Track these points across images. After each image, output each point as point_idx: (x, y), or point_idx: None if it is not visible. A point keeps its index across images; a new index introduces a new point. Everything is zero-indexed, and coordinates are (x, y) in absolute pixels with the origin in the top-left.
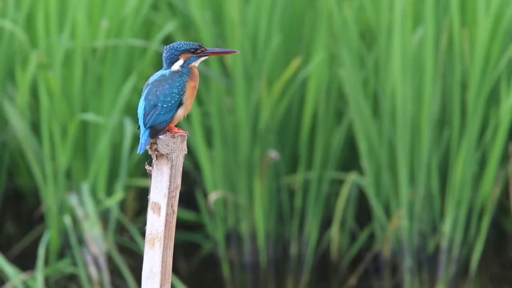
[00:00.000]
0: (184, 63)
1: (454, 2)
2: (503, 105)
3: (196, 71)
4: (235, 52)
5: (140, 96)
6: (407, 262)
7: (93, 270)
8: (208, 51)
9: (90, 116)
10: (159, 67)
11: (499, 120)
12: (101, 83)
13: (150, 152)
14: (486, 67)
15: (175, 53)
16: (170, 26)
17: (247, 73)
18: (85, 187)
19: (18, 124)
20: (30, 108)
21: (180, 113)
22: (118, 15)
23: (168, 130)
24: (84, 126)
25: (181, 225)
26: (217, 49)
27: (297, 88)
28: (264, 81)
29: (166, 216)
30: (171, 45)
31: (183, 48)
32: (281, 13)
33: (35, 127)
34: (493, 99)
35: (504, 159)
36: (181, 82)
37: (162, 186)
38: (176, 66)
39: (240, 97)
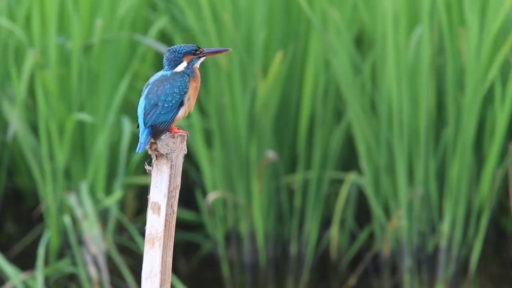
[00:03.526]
0: (188, 65)
1: (442, 2)
2: (500, 103)
3: (198, 72)
4: (228, 50)
5: (139, 95)
6: (407, 262)
7: (92, 270)
8: (205, 52)
9: (84, 116)
10: (155, 65)
11: (496, 118)
12: (97, 82)
13: (150, 152)
14: (480, 65)
15: (178, 55)
16: (161, 22)
17: (243, 67)
18: (84, 187)
19: (17, 124)
20: (28, 108)
21: (181, 113)
22: (112, 14)
23: (168, 130)
24: (82, 125)
25: (181, 225)
26: (213, 49)
27: (294, 85)
28: (260, 70)
29: (166, 216)
30: (172, 47)
31: (185, 50)
32: (275, 9)
33: (34, 127)
34: (489, 98)
35: (503, 157)
36: (182, 82)
37: (161, 186)
38: (180, 68)
39: (237, 93)
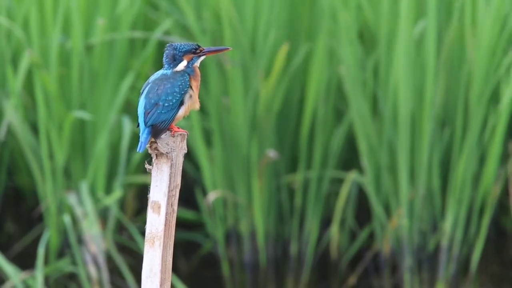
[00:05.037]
0: (188, 63)
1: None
2: (502, 103)
3: (198, 71)
4: (228, 48)
5: (139, 95)
6: (407, 261)
7: (92, 269)
8: (205, 50)
9: (83, 114)
10: (156, 64)
11: (498, 118)
12: (98, 81)
13: (150, 151)
14: (490, 65)
15: (179, 54)
16: (167, 24)
17: (245, 69)
18: (84, 186)
19: (13, 120)
20: (28, 107)
21: (181, 112)
22: (112, 12)
23: (168, 129)
24: (82, 124)
25: (181, 224)
26: (213, 48)
27: (296, 84)
28: (262, 73)
29: (166, 215)
30: (173, 45)
31: (185, 49)
32: (281, 8)
33: (34, 126)
34: (494, 97)
35: (504, 157)
36: (182, 81)
37: (162, 185)
38: (181, 67)
39: (239, 95)
